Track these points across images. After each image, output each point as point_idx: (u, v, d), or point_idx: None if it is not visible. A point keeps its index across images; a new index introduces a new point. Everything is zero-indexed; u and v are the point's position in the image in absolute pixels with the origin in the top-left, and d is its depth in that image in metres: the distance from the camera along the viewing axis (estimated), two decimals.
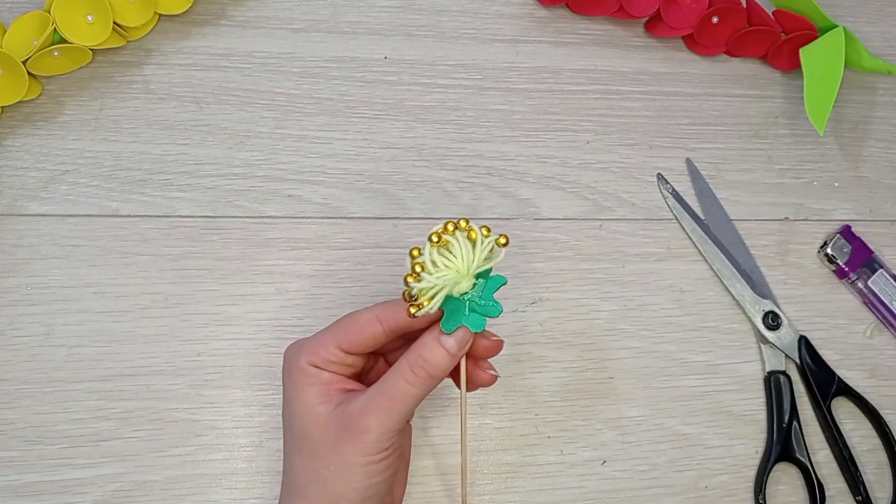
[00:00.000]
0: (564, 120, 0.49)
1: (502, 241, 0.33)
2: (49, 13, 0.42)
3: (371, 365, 0.38)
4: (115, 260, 0.43)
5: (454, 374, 0.36)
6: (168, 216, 0.44)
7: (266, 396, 0.43)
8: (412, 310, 0.32)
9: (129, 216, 0.44)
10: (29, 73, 0.43)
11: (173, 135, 0.46)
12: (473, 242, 0.33)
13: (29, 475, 0.40)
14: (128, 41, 0.46)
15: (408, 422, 0.37)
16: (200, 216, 0.45)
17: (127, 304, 0.43)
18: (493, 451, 0.44)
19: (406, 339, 0.37)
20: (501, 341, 0.36)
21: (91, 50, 0.44)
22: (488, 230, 0.33)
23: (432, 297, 0.32)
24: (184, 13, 0.46)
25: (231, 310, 0.43)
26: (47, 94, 0.45)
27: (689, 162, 0.50)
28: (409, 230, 0.46)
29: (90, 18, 0.43)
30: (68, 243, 0.43)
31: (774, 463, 0.45)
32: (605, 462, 0.44)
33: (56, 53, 0.43)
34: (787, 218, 0.50)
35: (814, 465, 0.45)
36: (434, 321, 0.34)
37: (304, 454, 0.35)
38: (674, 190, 0.49)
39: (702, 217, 0.49)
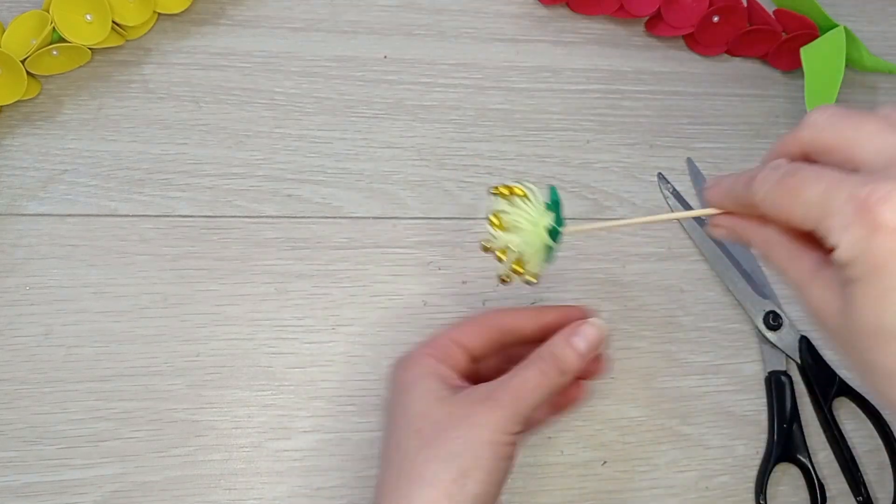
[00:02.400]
0: (565, 119, 0.49)
1: (519, 191, 0.34)
2: (48, 12, 0.42)
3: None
4: (114, 260, 0.43)
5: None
6: (167, 216, 0.44)
7: (265, 397, 0.43)
8: (505, 280, 0.35)
9: (128, 216, 0.44)
10: (28, 72, 0.43)
11: (172, 134, 0.45)
12: (524, 197, 0.34)
13: (28, 476, 0.40)
14: (127, 40, 0.46)
15: (528, 426, 0.36)
16: (199, 216, 0.44)
17: (126, 304, 0.43)
18: None
19: (511, 357, 0.37)
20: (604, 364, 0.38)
21: (90, 49, 0.44)
22: (503, 188, 0.34)
23: (525, 263, 0.34)
24: (183, 12, 0.46)
25: (230, 310, 0.43)
26: (46, 94, 0.45)
27: (689, 161, 0.50)
28: (409, 230, 0.46)
29: (89, 18, 0.43)
30: (67, 243, 0.43)
31: (775, 463, 0.45)
32: (605, 462, 0.44)
33: (55, 53, 0.43)
34: None
35: (815, 465, 0.45)
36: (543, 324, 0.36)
37: (425, 433, 0.33)
38: (675, 189, 0.49)
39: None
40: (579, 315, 0.37)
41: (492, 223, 0.34)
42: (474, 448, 0.32)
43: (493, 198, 0.34)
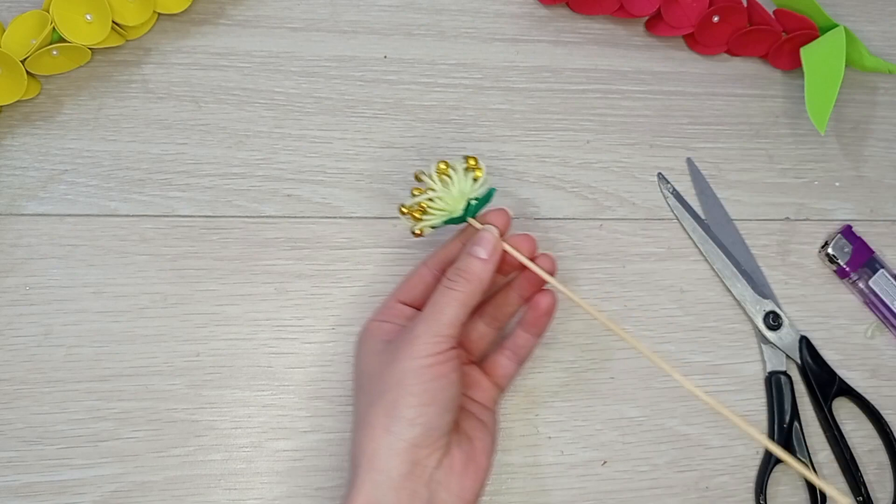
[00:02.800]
0: (565, 119, 0.49)
1: (479, 173, 0.39)
2: (48, 12, 0.42)
3: None
4: (113, 260, 0.43)
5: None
6: (167, 216, 0.44)
7: (265, 396, 0.43)
8: (416, 231, 0.39)
9: (127, 216, 0.44)
10: (28, 72, 0.43)
11: (172, 134, 0.45)
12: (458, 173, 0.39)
13: (27, 475, 0.40)
14: (127, 40, 0.46)
15: (455, 343, 0.37)
16: (199, 216, 0.44)
17: (126, 303, 0.43)
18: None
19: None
20: (530, 235, 0.39)
21: (90, 49, 0.44)
22: (475, 160, 0.39)
23: (430, 219, 0.39)
24: (183, 12, 0.46)
25: (230, 310, 0.43)
26: (46, 94, 0.45)
27: (689, 161, 0.50)
28: (407, 230, 0.46)
29: (89, 17, 0.43)
30: (67, 243, 0.43)
31: (775, 464, 0.45)
32: (605, 462, 0.44)
33: (55, 53, 0.43)
34: (787, 218, 0.50)
35: (814, 465, 0.45)
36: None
37: (364, 386, 0.37)
38: (674, 189, 0.49)
39: (702, 217, 0.49)
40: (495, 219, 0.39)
41: (438, 169, 0.38)
42: (398, 379, 0.35)
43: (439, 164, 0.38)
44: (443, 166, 0.38)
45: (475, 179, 0.39)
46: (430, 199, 0.38)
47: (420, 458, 0.34)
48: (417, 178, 0.39)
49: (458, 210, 0.39)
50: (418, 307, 0.40)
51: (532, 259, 0.38)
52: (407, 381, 0.34)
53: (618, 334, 0.37)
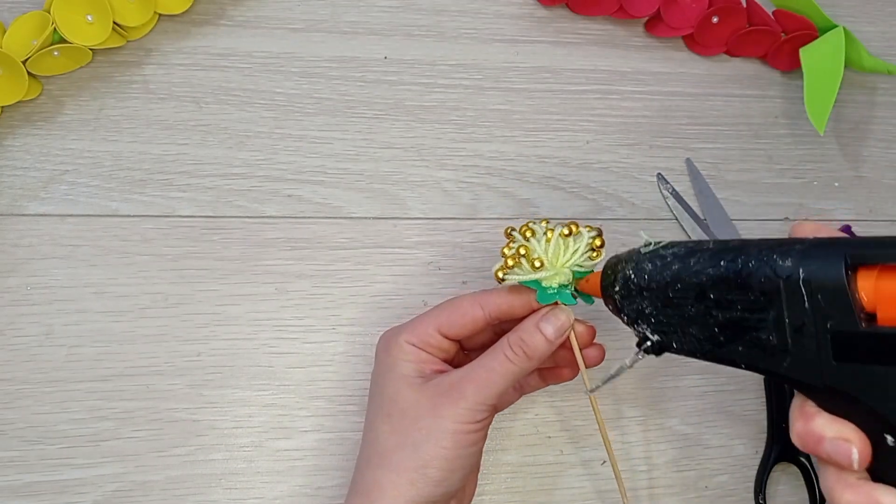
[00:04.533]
0: (564, 120, 0.49)
1: (598, 241, 0.36)
2: (49, 13, 0.42)
3: (461, 361, 0.38)
4: (115, 260, 0.43)
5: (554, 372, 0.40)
6: (168, 216, 0.44)
7: (266, 396, 0.43)
8: (500, 274, 0.35)
9: (128, 216, 0.44)
10: (29, 72, 0.43)
11: (173, 135, 0.46)
12: (569, 238, 0.35)
13: (29, 475, 0.40)
14: (127, 41, 0.46)
15: (496, 408, 0.37)
16: (200, 216, 0.45)
17: (127, 304, 0.43)
18: (493, 451, 0.44)
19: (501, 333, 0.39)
20: (594, 328, 0.38)
21: (91, 50, 0.44)
22: (591, 229, 0.36)
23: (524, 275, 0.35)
24: (183, 13, 0.46)
25: (231, 310, 0.43)
26: (47, 94, 0.45)
27: (689, 162, 0.50)
28: (409, 230, 0.46)
29: (90, 18, 0.43)
30: (68, 243, 0.43)
31: (774, 463, 0.45)
32: (605, 462, 0.44)
33: (56, 53, 0.43)
34: (787, 218, 0.50)
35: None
36: (534, 308, 0.36)
37: (394, 419, 0.35)
38: (674, 190, 0.49)
39: (702, 217, 0.49)
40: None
41: (560, 233, 0.35)
42: (437, 438, 0.34)
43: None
44: (566, 231, 0.35)
45: (590, 258, 0.36)
46: (537, 261, 0.35)
47: None
48: (526, 233, 0.36)
49: (555, 283, 0.35)
50: (457, 340, 0.38)
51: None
52: (445, 443, 0.34)
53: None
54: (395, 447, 0.35)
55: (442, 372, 0.36)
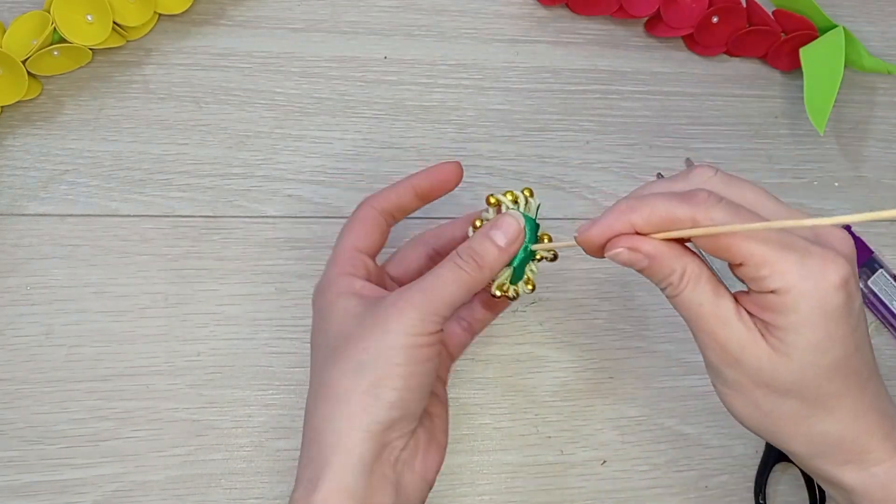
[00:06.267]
0: (564, 120, 0.49)
1: (535, 202, 0.36)
2: (49, 13, 0.42)
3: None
4: (114, 260, 0.43)
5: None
6: (168, 216, 0.44)
7: (266, 396, 0.43)
8: (497, 292, 0.35)
9: (128, 216, 0.44)
10: (28, 72, 0.43)
11: (173, 134, 0.46)
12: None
13: (29, 475, 0.40)
14: (127, 41, 0.46)
15: (442, 328, 0.34)
16: (200, 216, 0.45)
17: (127, 303, 0.43)
18: (493, 451, 0.44)
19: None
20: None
21: (91, 50, 0.44)
22: (529, 191, 0.36)
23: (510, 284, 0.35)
24: (183, 13, 0.46)
25: (231, 310, 0.43)
26: (47, 94, 0.45)
27: (689, 162, 0.50)
28: (409, 230, 0.46)
29: (90, 18, 0.43)
30: (68, 243, 0.43)
31: (774, 463, 0.45)
32: (605, 462, 0.44)
33: (56, 53, 0.43)
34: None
35: None
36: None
37: (337, 349, 0.33)
38: None
39: None
40: (450, 169, 0.38)
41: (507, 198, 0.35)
42: (385, 355, 0.31)
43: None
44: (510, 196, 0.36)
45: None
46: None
47: (390, 440, 0.32)
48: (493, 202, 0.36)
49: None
50: (373, 256, 0.37)
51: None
52: (395, 359, 0.31)
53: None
54: (341, 375, 0.32)
55: (380, 296, 0.34)
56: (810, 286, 0.28)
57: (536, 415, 0.44)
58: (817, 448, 0.31)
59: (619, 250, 0.30)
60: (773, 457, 0.45)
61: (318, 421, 0.32)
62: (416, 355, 0.32)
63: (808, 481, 0.45)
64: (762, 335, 0.29)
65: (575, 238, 0.32)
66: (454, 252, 0.34)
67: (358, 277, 0.35)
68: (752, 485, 0.45)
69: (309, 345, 0.37)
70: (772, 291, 0.28)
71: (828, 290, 0.28)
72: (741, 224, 0.28)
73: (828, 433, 0.30)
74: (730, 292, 0.30)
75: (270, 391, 0.43)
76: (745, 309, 0.30)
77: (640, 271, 0.30)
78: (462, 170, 0.38)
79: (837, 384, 0.30)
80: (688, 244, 0.31)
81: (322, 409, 0.32)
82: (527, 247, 0.34)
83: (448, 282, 0.33)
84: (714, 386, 0.32)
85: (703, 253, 0.30)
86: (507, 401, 0.44)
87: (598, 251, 0.31)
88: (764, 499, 0.44)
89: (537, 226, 0.35)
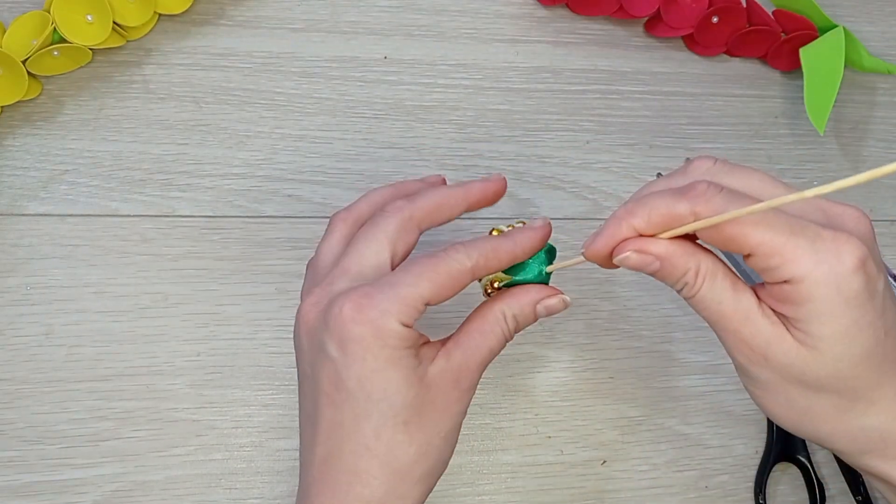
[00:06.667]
0: (564, 120, 0.49)
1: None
2: (49, 13, 0.42)
3: None
4: (114, 260, 0.43)
5: None
6: (168, 216, 0.44)
7: (266, 396, 0.43)
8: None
9: (128, 216, 0.44)
10: (28, 72, 0.43)
11: (173, 134, 0.46)
12: None
13: (28, 475, 0.40)
14: (127, 41, 0.46)
15: None
16: (200, 216, 0.45)
17: (127, 303, 0.43)
18: (493, 451, 0.44)
19: None
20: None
21: (91, 50, 0.44)
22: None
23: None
24: (183, 13, 0.46)
25: (231, 309, 0.43)
26: (47, 94, 0.45)
27: (688, 162, 0.50)
28: None
29: (90, 18, 0.43)
30: (68, 243, 0.43)
31: (774, 463, 0.45)
32: (605, 462, 0.44)
33: (56, 53, 0.43)
34: None
35: (814, 464, 0.45)
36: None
37: (412, 427, 0.30)
38: None
39: None
40: (495, 187, 0.35)
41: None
42: (452, 438, 0.32)
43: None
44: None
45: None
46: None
47: None
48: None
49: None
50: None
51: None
52: (452, 433, 0.32)
53: None
54: (418, 456, 0.31)
55: (425, 343, 0.31)
56: (824, 272, 0.26)
57: (536, 415, 0.44)
58: (863, 444, 0.29)
59: (627, 254, 0.28)
60: (774, 457, 0.45)
61: (337, 459, 0.31)
62: (460, 421, 0.32)
63: (809, 481, 0.45)
64: (787, 329, 0.28)
65: (582, 254, 0.31)
66: (500, 316, 0.32)
67: (415, 329, 0.30)
68: (752, 485, 0.45)
69: None
70: (785, 281, 0.27)
71: (844, 274, 0.26)
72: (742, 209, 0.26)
73: (872, 427, 0.29)
74: (749, 287, 0.29)
75: (270, 391, 0.43)
76: (766, 303, 0.28)
77: (653, 275, 0.29)
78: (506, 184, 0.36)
79: (873, 373, 0.28)
80: (700, 242, 0.29)
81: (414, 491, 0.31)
82: (541, 270, 0.34)
83: (494, 347, 0.33)
84: (746, 389, 0.31)
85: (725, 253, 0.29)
86: (507, 401, 0.44)
87: (608, 261, 0.30)
88: (764, 499, 0.44)
89: (554, 250, 0.35)
